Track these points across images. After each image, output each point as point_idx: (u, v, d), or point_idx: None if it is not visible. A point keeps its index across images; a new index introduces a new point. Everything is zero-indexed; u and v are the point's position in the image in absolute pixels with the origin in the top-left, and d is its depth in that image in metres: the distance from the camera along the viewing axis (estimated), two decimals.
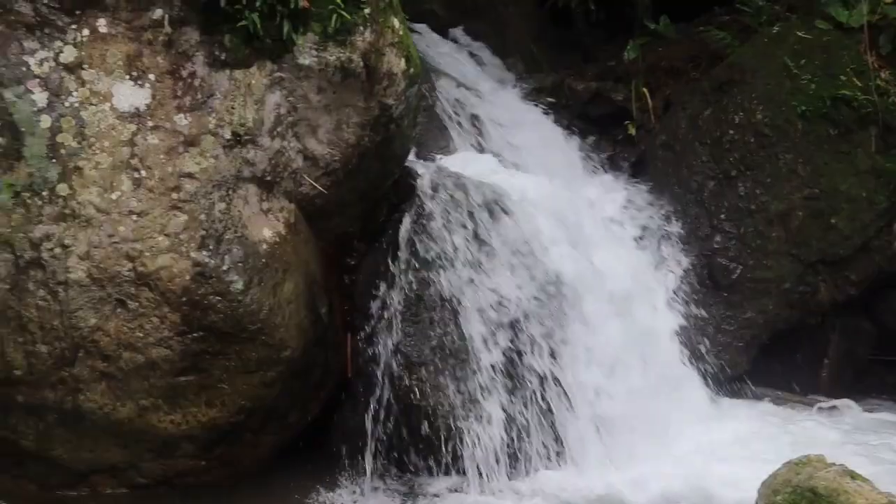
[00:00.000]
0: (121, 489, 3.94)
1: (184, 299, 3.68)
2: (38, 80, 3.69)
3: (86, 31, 3.73)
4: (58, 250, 3.65)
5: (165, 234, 3.69)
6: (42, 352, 3.68)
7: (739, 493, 3.68)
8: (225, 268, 3.73)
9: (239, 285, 3.73)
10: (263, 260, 3.80)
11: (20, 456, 3.84)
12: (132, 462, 3.89)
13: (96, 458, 3.86)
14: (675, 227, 5.16)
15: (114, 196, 3.68)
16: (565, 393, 4.13)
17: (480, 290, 4.16)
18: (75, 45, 3.72)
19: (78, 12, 3.73)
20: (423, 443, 4.09)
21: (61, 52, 3.71)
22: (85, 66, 3.72)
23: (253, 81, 3.84)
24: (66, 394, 3.73)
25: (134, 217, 3.68)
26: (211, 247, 3.72)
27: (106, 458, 3.86)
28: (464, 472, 4.04)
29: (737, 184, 5.19)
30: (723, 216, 5.17)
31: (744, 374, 5.01)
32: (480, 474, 4.01)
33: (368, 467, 4.05)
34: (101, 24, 3.75)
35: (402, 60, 4.08)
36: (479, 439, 4.02)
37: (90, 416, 3.77)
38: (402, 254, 4.19)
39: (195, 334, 3.72)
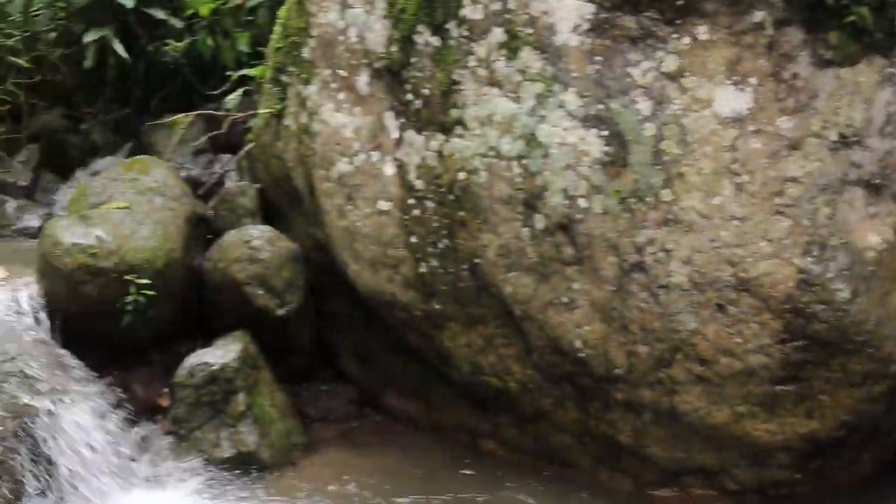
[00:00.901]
0: (710, 492, 3.96)
1: (786, 307, 3.60)
2: (641, 89, 3.80)
3: (686, 40, 3.78)
4: (660, 254, 3.74)
5: (768, 240, 3.64)
6: (641, 352, 3.81)
7: None
8: (829, 275, 3.59)
9: (845, 294, 3.58)
10: (870, 268, 3.61)
11: (617, 450, 4.01)
12: (723, 467, 3.89)
13: (688, 458, 3.91)
14: None
15: (715, 201, 3.69)
16: None
17: None
18: (676, 54, 3.78)
19: (678, 22, 3.79)
20: None
21: (663, 61, 3.79)
22: (686, 73, 3.76)
23: (861, 79, 3.66)
24: (663, 394, 3.83)
25: (735, 222, 3.67)
26: (815, 253, 3.61)
27: (697, 459, 3.91)
28: None
29: None
30: None
31: None
32: None
33: None
34: (701, 32, 3.77)
35: None
36: None
37: (684, 418, 3.83)
38: None
39: (796, 343, 3.62)
